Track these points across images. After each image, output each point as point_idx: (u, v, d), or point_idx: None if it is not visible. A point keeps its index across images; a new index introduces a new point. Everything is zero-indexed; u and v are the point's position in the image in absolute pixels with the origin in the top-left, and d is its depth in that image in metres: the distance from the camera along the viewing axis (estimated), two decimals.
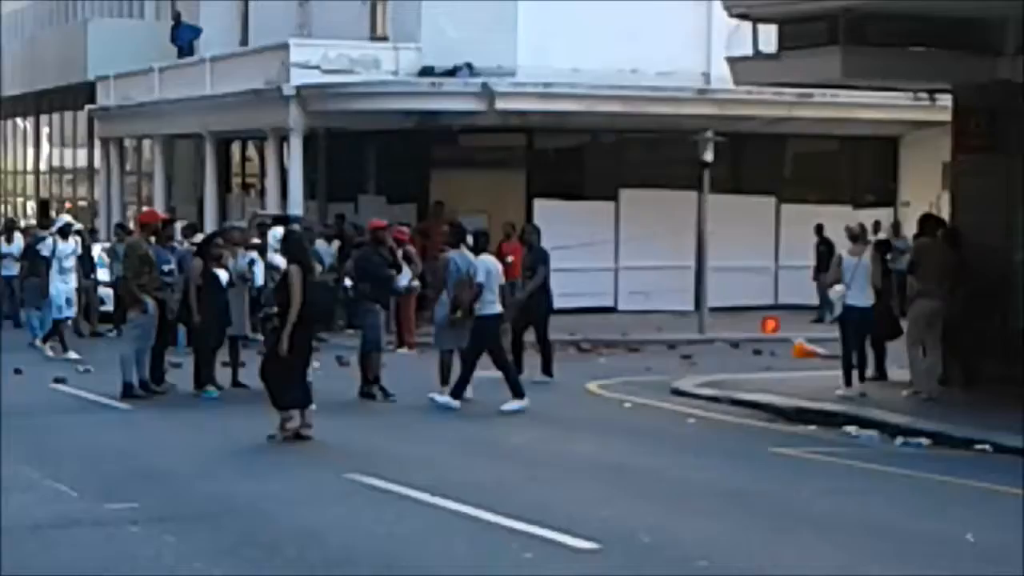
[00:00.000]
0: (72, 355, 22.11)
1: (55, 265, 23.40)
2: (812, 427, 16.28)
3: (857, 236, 18.56)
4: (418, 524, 10.66)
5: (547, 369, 20.46)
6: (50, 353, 22.59)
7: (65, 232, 23.95)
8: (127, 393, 17.67)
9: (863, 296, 17.92)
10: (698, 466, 13.75)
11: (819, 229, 29.63)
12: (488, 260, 17.50)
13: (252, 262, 20.02)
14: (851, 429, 15.78)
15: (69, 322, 23.87)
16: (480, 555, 9.71)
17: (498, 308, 17.32)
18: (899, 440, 15.15)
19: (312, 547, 9.81)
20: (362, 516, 10.88)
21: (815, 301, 29.48)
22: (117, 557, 9.53)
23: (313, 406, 14.74)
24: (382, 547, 9.92)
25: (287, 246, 15.47)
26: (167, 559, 9.47)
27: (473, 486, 11.99)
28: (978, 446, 14.61)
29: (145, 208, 35.63)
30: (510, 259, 24.87)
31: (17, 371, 20.20)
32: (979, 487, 12.58)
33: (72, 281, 23.70)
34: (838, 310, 18.63)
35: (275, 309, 15.01)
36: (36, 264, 24.40)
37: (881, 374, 19.68)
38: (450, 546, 9.94)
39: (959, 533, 10.43)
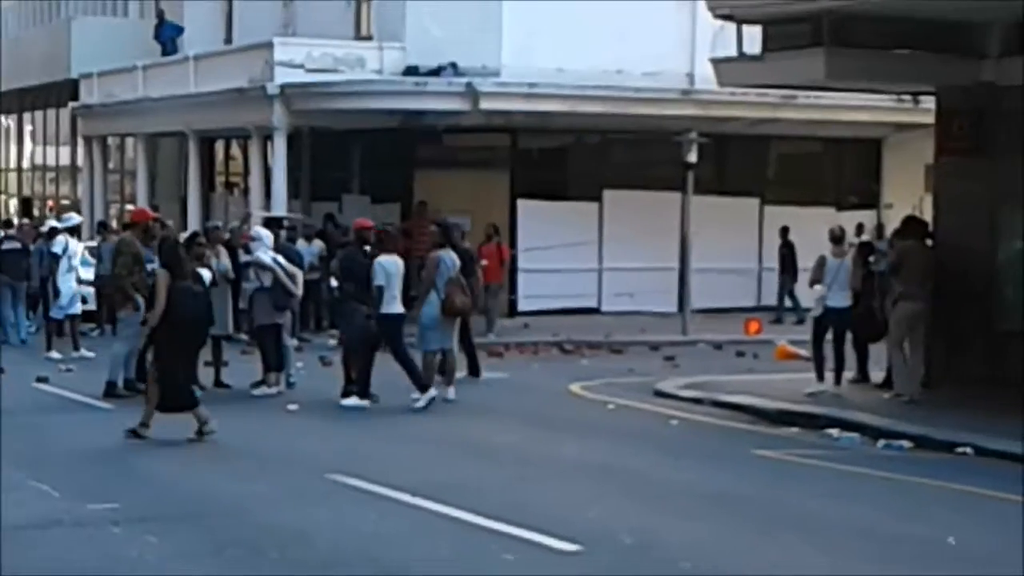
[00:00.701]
0: (85, 352, 22.19)
1: (65, 263, 23.35)
2: (794, 429, 16.30)
3: (839, 238, 18.87)
4: (401, 525, 10.65)
5: (474, 370, 20.40)
6: (56, 355, 22.38)
7: (75, 230, 24.05)
8: (109, 392, 17.64)
9: (843, 297, 18.27)
10: (680, 468, 13.76)
11: (784, 232, 29.88)
12: (387, 261, 17.55)
13: (247, 264, 19.93)
14: (833, 431, 15.81)
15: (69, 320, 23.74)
16: (462, 556, 9.71)
17: (399, 308, 17.46)
18: (881, 443, 15.18)
19: (295, 547, 9.80)
20: (344, 517, 10.87)
21: (788, 303, 29.66)
22: (99, 558, 9.51)
23: (202, 409, 14.65)
24: (365, 548, 9.92)
25: (160, 251, 15.44)
26: (149, 559, 9.46)
27: (456, 487, 11.98)
28: (960, 449, 14.64)
29: (131, 207, 35.52)
30: (485, 262, 24.90)
31: None
32: (960, 490, 12.61)
33: (72, 279, 23.72)
34: (818, 310, 18.77)
35: None
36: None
37: (863, 376, 19.73)
38: (433, 547, 9.93)
39: (940, 536, 10.46)
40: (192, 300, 14.75)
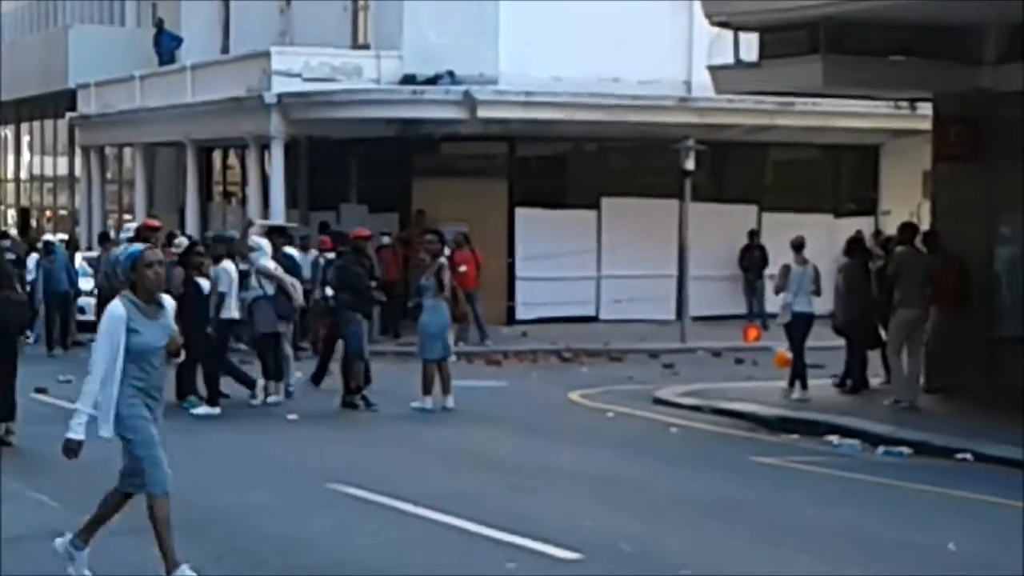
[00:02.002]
0: None
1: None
2: (794, 436, 16.30)
3: (800, 246, 19.22)
4: (401, 534, 10.65)
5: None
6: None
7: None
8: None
9: (808, 303, 18.81)
10: (680, 475, 13.76)
11: (752, 234, 30.18)
12: (230, 266, 17.56)
13: (246, 273, 19.91)
14: (833, 438, 15.81)
15: None
16: (463, 565, 9.71)
17: (237, 313, 17.71)
18: (880, 449, 15.18)
19: (295, 557, 9.80)
20: (345, 526, 10.87)
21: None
22: (100, 568, 9.49)
23: (12, 424, 14.79)
24: (365, 557, 9.92)
25: None
26: (150, 569, 9.44)
27: (456, 496, 11.98)
28: (959, 455, 14.64)
29: (128, 217, 35.51)
30: (463, 268, 24.90)
31: None
32: (960, 496, 12.61)
33: None
34: (785, 318, 19.04)
35: None
36: None
37: (863, 383, 19.75)
38: (433, 556, 9.93)
39: (941, 542, 10.46)
40: (10, 309, 14.80)
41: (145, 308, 8.82)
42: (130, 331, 8.72)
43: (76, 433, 8.85)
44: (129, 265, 8.86)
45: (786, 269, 19.02)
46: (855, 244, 19.98)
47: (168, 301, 9.04)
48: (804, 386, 18.73)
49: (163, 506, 9.07)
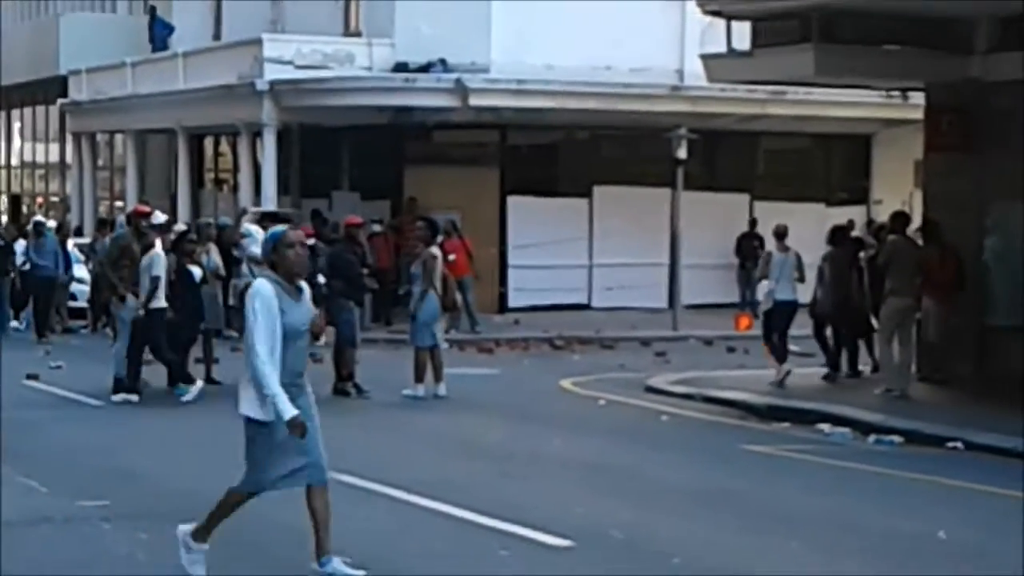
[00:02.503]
0: None
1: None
2: (785, 424, 16.32)
3: (783, 235, 19.44)
4: (393, 521, 10.66)
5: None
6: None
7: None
8: (118, 388, 17.57)
9: (790, 290, 19.01)
10: (671, 463, 13.77)
11: (753, 223, 30.26)
12: (162, 256, 17.57)
13: (238, 259, 19.93)
14: (824, 427, 15.83)
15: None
16: (455, 552, 9.72)
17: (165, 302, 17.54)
18: (872, 438, 15.20)
19: (286, 544, 9.80)
20: (337, 513, 10.84)
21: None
22: (89, 555, 9.50)
23: None
24: (357, 544, 9.90)
25: None
26: (140, 557, 9.45)
27: (448, 483, 11.99)
28: (950, 444, 14.67)
29: (120, 204, 35.47)
30: (452, 257, 24.90)
31: None
32: (951, 485, 12.63)
33: None
34: (767, 305, 19.20)
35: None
36: None
37: (854, 372, 19.79)
38: (425, 543, 9.94)
39: (931, 530, 10.48)
40: None
41: (288, 288, 8.47)
42: (280, 311, 8.36)
43: (291, 411, 8.34)
44: (271, 246, 8.57)
45: (768, 256, 19.38)
46: (839, 232, 20.03)
47: (305, 285, 8.69)
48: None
49: (322, 495, 8.79)
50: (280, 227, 8.87)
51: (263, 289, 8.40)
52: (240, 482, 8.82)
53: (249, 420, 8.56)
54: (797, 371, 19.31)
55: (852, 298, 19.32)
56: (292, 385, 8.50)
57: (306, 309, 8.58)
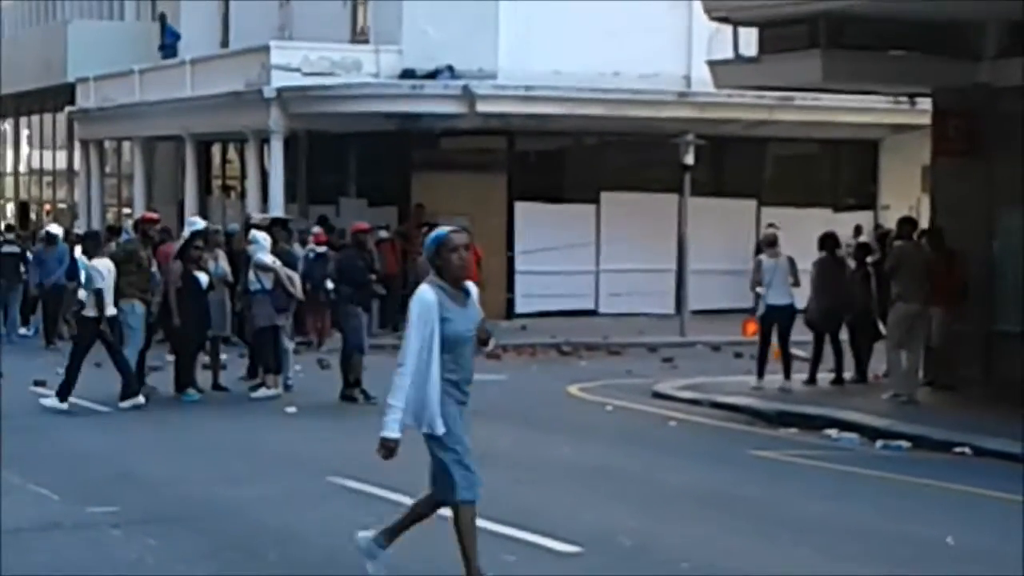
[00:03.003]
0: None
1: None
2: (793, 430, 16.31)
3: (773, 242, 19.69)
4: None
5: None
6: None
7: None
8: (127, 394, 17.57)
9: (782, 295, 19.12)
10: (679, 469, 13.77)
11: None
12: (101, 264, 17.51)
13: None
14: (831, 432, 15.83)
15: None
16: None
17: (112, 311, 17.43)
18: (879, 443, 15.19)
19: (293, 549, 9.81)
20: (343, 519, 10.87)
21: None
22: (98, 560, 9.52)
23: None
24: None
25: None
26: (149, 562, 9.46)
27: None
28: (958, 449, 14.66)
29: (128, 211, 35.51)
30: None
31: None
32: (959, 490, 12.63)
33: None
34: (760, 310, 19.41)
35: None
36: None
37: (861, 377, 19.79)
38: (431, 549, 9.93)
39: (939, 536, 10.47)
40: None
41: (453, 294, 8.19)
42: (442, 319, 8.08)
43: (391, 431, 8.19)
44: (433, 249, 8.19)
45: (758, 263, 19.48)
46: (827, 239, 20.01)
47: (472, 287, 8.37)
48: (787, 376, 19.18)
49: (467, 513, 8.44)
50: (443, 229, 8.44)
51: (423, 298, 8.14)
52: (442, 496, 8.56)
53: (428, 437, 8.37)
54: (803, 376, 19.31)
55: (842, 305, 19.36)
56: (460, 392, 8.27)
57: (472, 314, 8.28)
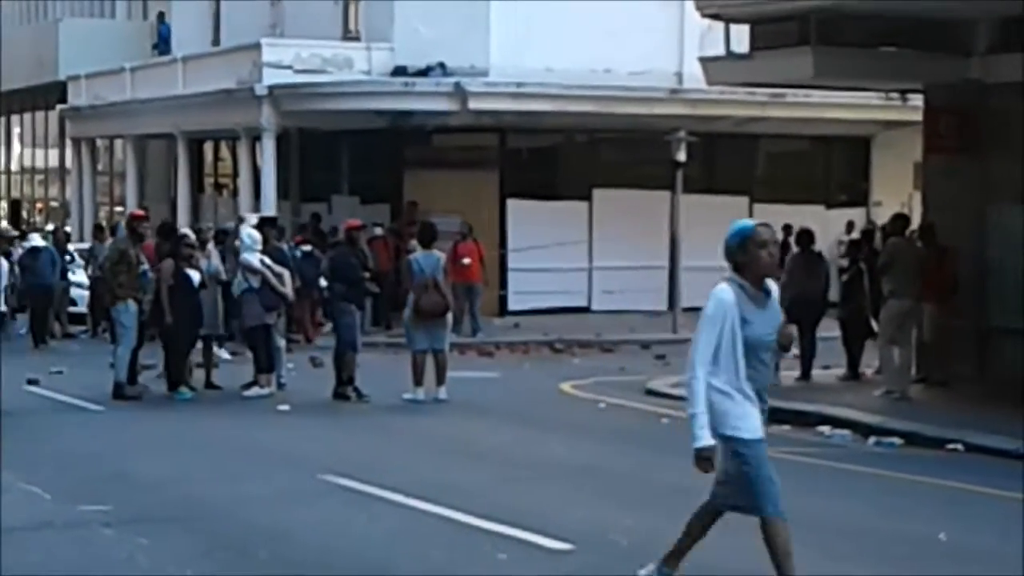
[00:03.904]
0: None
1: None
2: (785, 427, 16.27)
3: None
4: (392, 525, 10.65)
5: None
6: None
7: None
8: (118, 394, 17.57)
9: None
10: (671, 466, 13.73)
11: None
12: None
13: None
14: (824, 429, 15.83)
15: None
16: (455, 556, 9.71)
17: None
18: (872, 440, 15.20)
19: (286, 548, 9.80)
20: (336, 517, 10.87)
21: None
22: (90, 560, 9.50)
23: None
24: (356, 548, 9.92)
25: None
26: (140, 562, 9.44)
27: (447, 487, 11.98)
28: (950, 445, 14.67)
29: (120, 209, 35.50)
30: (467, 261, 24.92)
31: None
32: (951, 486, 12.63)
33: None
34: None
35: None
36: None
37: (855, 374, 19.80)
38: (424, 547, 9.93)
39: (932, 532, 10.47)
40: None
41: (754, 294, 7.65)
42: (743, 321, 7.60)
43: (703, 440, 7.79)
44: (737, 242, 7.69)
45: None
46: (803, 235, 20.00)
47: (773, 287, 7.78)
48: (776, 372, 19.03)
49: (783, 529, 8.02)
50: (748, 222, 7.96)
51: (720, 296, 7.69)
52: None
53: (735, 440, 7.93)
54: (795, 373, 19.32)
55: (806, 302, 19.27)
56: (748, 400, 7.80)
57: (772, 316, 7.75)
